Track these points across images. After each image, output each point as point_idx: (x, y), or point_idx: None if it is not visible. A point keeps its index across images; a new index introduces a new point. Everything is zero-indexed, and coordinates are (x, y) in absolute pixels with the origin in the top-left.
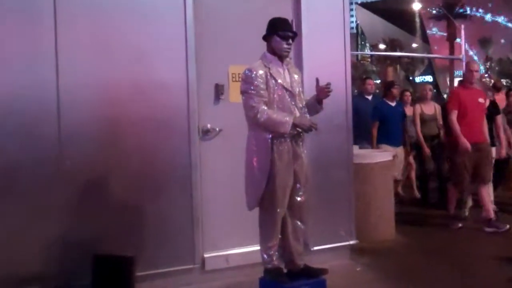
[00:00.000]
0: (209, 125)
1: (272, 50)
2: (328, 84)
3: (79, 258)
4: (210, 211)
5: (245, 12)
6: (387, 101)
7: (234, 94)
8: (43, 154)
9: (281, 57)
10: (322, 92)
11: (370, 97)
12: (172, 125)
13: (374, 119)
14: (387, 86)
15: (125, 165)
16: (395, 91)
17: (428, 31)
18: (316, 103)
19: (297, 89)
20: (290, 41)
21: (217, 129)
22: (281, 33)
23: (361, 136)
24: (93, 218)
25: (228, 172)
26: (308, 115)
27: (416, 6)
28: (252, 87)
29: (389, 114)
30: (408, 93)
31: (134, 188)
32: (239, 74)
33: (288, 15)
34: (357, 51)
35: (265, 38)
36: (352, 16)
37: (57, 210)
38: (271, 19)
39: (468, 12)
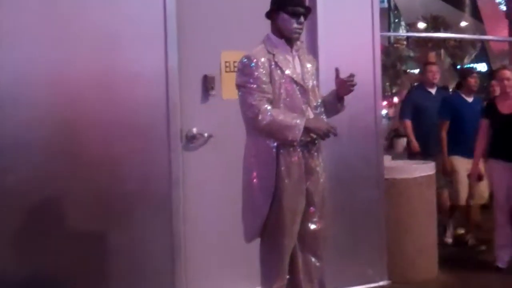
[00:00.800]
0: (195, 130)
1: (278, 31)
2: (351, 75)
3: None
4: (195, 242)
5: None
6: (462, 95)
7: (228, 88)
8: None
9: (290, 40)
10: (344, 86)
11: (434, 91)
12: (147, 129)
13: (443, 117)
14: (462, 75)
15: (86, 182)
16: (473, 81)
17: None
18: (335, 101)
19: (311, 83)
20: (302, 19)
21: (206, 134)
22: (290, 8)
23: (424, 144)
24: (42, 253)
25: (219, 191)
26: (325, 117)
27: None
28: (251, 80)
29: (463, 112)
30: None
31: (98, 211)
32: (234, 62)
33: None
34: (389, 31)
35: (268, 15)
36: None
37: None
38: None
39: None
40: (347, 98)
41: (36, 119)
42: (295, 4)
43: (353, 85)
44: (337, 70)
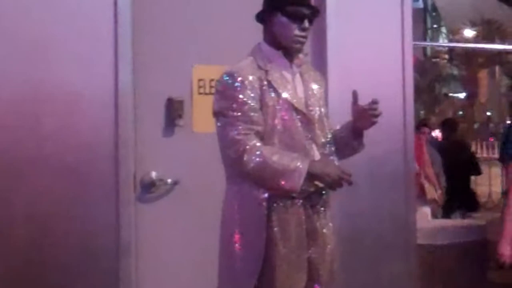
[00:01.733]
0: (154, 174)
1: (273, 40)
2: (374, 102)
3: None
4: None
5: None
6: None
7: (201, 117)
8: None
9: (289, 53)
10: (364, 116)
11: None
12: (87, 173)
13: None
14: None
15: (6, 247)
16: None
17: None
18: (351, 137)
19: (318, 111)
20: (306, 23)
21: (169, 181)
22: (290, 9)
23: None
24: None
25: (185, 259)
26: (336, 159)
27: None
28: (234, 106)
29: None
30: None
31: (18, 283)
32: (211, 81)
33: None
34: (426, 40)
35: (261, 18)
36: None
37: None
38: None
39: None
40: (368, 133)
41: None
42: (297, 3)
43: (377, 115)
44: (354, 94)
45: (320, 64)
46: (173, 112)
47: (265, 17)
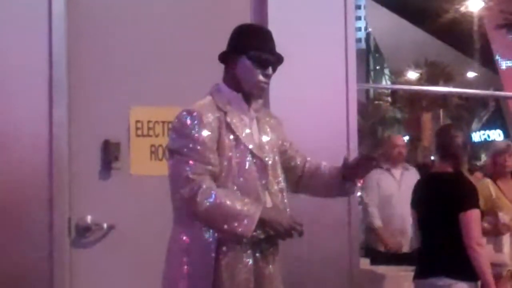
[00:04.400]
0: (89, 218)
1: (234, 82)
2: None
3: None
4: None
5: (163, 14)
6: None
7: (139, 159)
8: None
9: (249, 97)
10: (366, 164)
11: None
12: (18, 217)
13: None
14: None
15: None
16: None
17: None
18: (341, 180)
19: (272, 157)
20: (270, 70)
21: (105, 225)
22: (255, 53)
23: None
24: None
25: None
26: (287, 208)
27: (475, 6)
28: (191, 145)
29: None
30: None
31: None
32: (149, 122)
33: (245, 17)
34: (368, 82)
35: (223, 58)
36: (359, 18)
37: None
38: (238, 27)
39: None
40: None
41: None
42: (263, 49)
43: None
44: (345, 159)
45: (263, 104)
46: (110, 154)
47: (229, 59)
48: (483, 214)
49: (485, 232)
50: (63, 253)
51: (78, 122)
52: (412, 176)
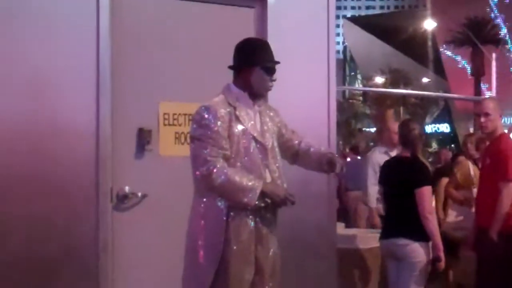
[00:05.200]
0: (127, 188)
1: (244, 85)
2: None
3: None
4: None
5: (185, 29)
6: None
7: (166, 143)
8: None
9: (255, 96)
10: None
11: None
12: (73, 186)
13: None
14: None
15: (1, 242)
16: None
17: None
18: (324, 164)
19: (271, 142)
20: (275, 76)
21: (139, 194)
22: (268, 65)
23: None
24: None
25: (153, 257)
26: (285, 183)
27: (429, 25)
28: (209, 133)
29: None
30: None
31: (14, 275)
32: (174, 114)
33: (249, 33)
34: (345, 85)
35: (236, 68)
36: (338, 35)
37: None
38: (247, 41)
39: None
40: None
41: None
42: (272, 60)
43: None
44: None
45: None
46: (143, 139)
47: (243, 68)
48: (460, 187)
49: (458, 201)
50: (107, 215)
51: (119, 114)
52: None
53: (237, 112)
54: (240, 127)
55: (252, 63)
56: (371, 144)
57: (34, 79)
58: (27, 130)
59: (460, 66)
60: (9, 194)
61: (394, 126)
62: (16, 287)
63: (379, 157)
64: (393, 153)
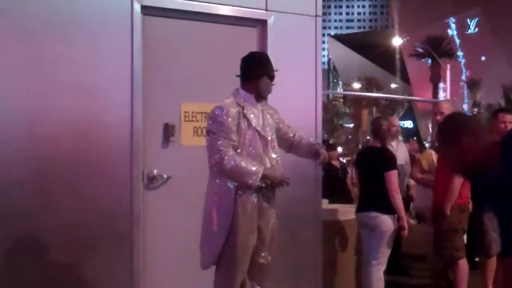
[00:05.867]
0: (155, 171)
1: (252, 89)
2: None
3: None
4: (154, 274)
5: (201, 44)
6: None
7: (186, 135)
8: None
9: (260, 97)
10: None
11: None
12: (112, 169)
13: None
14: None
15: (56, 217)
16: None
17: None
18: (311, 153)
19: (271, 135)
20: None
21: (165, 176)
22: (272, 74)
23: None
24: (15, 283)
25: (176, 227)
26: (281, 168)
27: (397, 42)
28: (222, 128)
29: None
30: None
31: (66, 244)
32: (192, 112)
33: (253, 48)
34: (329, 89)
35: (247, 76)
36: (323, 49)
37: None
38: (253, 55)
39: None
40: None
41: (15, 159)
42: (273, 70)
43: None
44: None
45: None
46: (168, 132)
47: (252, 77)
48: (424, 172)
49: (423, 183)
50: (139, 193)
51: (149, 112)
52: (403, 147)
53: (245, 111)
54: (246, 123)
55: (261, 73)
56: (350, 136)
57: (82, 82)
58: (75, 123)
59: (421, 74)
60: (60, 176)
61: (394, 120)
62: (68, 251)
63: None
64: (393, 143)
